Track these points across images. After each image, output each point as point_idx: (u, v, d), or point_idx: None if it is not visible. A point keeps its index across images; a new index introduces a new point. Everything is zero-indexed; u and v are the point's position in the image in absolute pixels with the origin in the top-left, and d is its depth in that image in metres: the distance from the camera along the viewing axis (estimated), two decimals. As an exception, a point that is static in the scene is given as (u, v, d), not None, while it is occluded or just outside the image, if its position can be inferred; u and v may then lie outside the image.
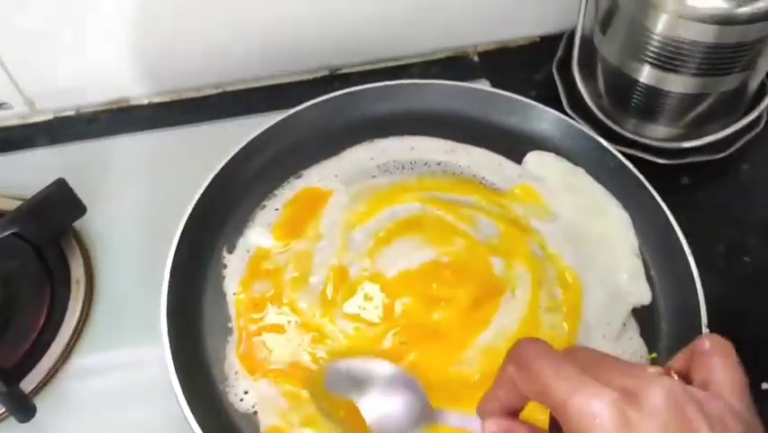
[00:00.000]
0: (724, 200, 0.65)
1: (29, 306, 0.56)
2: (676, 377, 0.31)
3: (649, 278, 0.55)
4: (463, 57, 0.75)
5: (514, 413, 0.34)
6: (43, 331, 0.55)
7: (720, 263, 0.60)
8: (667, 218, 0.55)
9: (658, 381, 0.29)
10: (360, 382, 0.45)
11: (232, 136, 0.59)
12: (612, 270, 0.54)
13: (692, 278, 0.52)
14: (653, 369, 0.31)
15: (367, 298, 0.50)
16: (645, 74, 0.60)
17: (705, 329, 0.50)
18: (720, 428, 0.29)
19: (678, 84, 0.59)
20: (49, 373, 0.53)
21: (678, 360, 0.33)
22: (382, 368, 0.46)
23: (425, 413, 0.42)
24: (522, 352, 0.32)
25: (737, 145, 0.65)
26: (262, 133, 0.59)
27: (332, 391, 0.46)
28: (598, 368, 0.30)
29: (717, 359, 0.31)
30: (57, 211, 0.58)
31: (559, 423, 0.30)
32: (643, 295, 0.53)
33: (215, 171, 0.56)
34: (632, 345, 0.51)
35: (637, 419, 0.28)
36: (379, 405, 0.44)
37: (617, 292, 0.53)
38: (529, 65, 0.73)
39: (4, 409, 0.51)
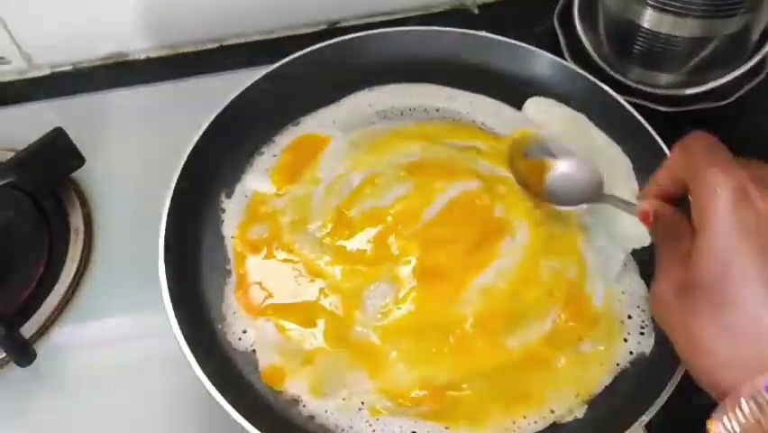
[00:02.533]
0: (728, 149, 0.64)
1: (28, 255, 0.57)
2: None
3: (649, 220, 0.54)
4: (463, 9, 0.74)
5: (670, 202, 0.38)
6: (43, 279, 0.55)
7: (723, 210, 0.59)
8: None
9: None
10: (552, 154, 0.52)
11: (229, 89, 0.58)
12: (612, 211, 0.53)
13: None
14: None
15: (365, 239, 0.50)
16: (647, 18, 0.59)
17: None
18: None
19: (681, 27, 0.58)
20: (48, 319, 0.54)
21: None
22: (569, 149, 0.52)
23: (595, 191, 0.49)
24: (691, 138, 0.37)
25: (740, 93, 0.64)
26: (260, 80, 0.58)
27: (529, 158, 0.53)
28: (742, 161, 0.35)
29: None
30: (54, 160, 0.58)
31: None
32: (642, 237, 0.53)
33: (213, 117, 0.56)
34: (632, 285, 0.50)
35: (754, 194, 0.32)
36: (564, 173, 0.51)
37: (617, 234, 0.52)
38: (530, 17, 0.72)
39: (4, 354, 0.51)
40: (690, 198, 0.36)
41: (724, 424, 0.30)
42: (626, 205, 0.45)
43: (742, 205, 0.32)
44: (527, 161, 0.53)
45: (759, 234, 0.31)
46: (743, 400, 0.29)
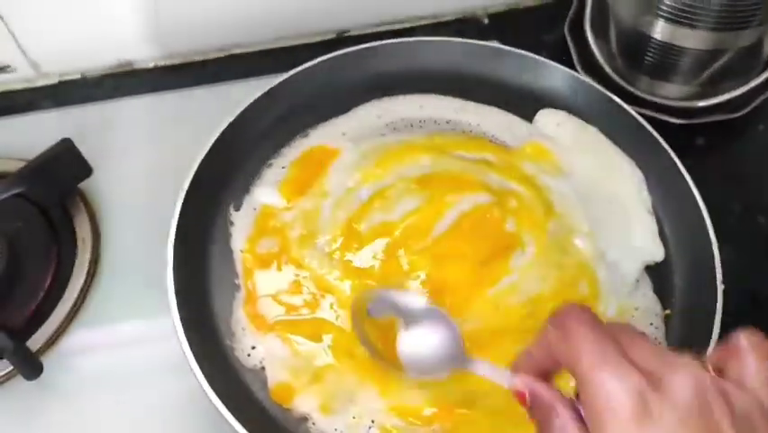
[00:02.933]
0: (739, 161, 0.64)
1: (36, 266, 0.56)
2: (710, 368, 0.30)
3: (662, 235, 0.54)
4: (473, 19, 0.74)
5: (545, 376, 0.34)
6: (50, 290, 0.55)
7: (735, 224, 0.59)
8: (681, 175, 0.54)
9: (687, 367, 0.28)
10: (400, 312, 0.44)
11: (238, 99, 0.58)
12: (625, 227, 0.53)
13: (707, 235, 0.51)
14: (687, 357, 0.30)
15: (375, 253, 0.50)
16: (660, 30, 0.59)
17: (720, 286, 0.49)
18: (746, 424, 0.28)
19: (693, 40, 0.58)
20: (56, 331, 0.53)
21: (714, 354, 0.31)
22: (421, 303, 0.45)
23: (458, 356, 0.41)
24: (565, 315, 0.31)
25: (753, 105, 0.63)
26: (269, 91, 0.58)
27: (374, 316, 0.45)
28: (633, 345, 0.30)
29: (751, 355, 0.30)
30: (62, 171, 0.58)
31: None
32: (656, 252, 0.53)
33: (222, 129, 0.55)
34: (645, 301, 0.50)
35: (657, 405, 0.27)
36: (415, 338, 0.43)
37: (629, 249, 0.52)
38: (540, 26, 0.72)
39: (11, 367, 0.51)
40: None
41: None
42: (493, 373, 0.38)
43: (644, 422, 0.27)
44: (373, 321, 0.45)
45: None
46: None
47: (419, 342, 0.43)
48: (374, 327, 0.45)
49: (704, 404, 0.27)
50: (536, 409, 0.33)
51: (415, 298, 0.45)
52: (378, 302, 0.45)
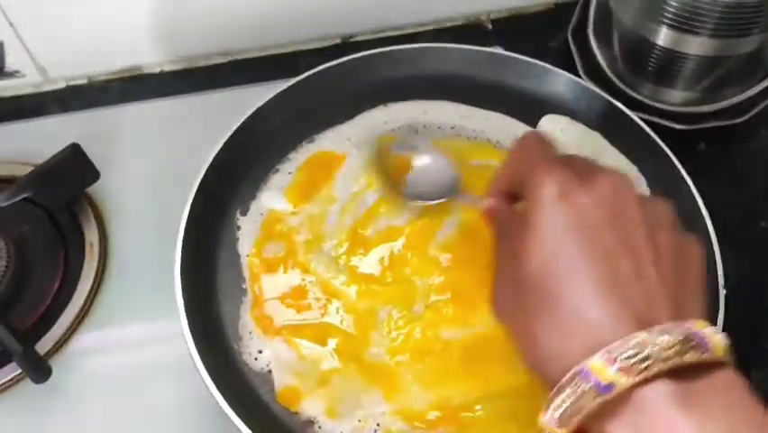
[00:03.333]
0: (741, 166, 0.64)
1: (43, 270, 0.57)
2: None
3: (665, 241, 0.54)
4: (477, 24, 0.75)
5: (512, 200, 0.40)
6: (58, 294, 0.56)
7: (737, 229, 0.59)
8: (684, 180, 0.54)
9: (611, 172, 0.34)
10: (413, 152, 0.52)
11: (244, 103, 0.58)
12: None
13: (709, 240, 0.51)
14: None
15: (380, 258, 0.50)
16: (663, 36, 0.59)
17: (722, 291, 0.49)
18: (652, 216, 0.33)
19: (696, 46, 0.58)
20: (64, 335, 0.54)
21: None
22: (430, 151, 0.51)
23: (452, 190, 0.49)
24: (523, 137, 0.40)
25: (755, 110, 0.64)
26: (275, 97, 0.58)
27: (394, 152, 0.52)
28: (568, 158, 0.37)
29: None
30: (70, 176, 0.58)
31: None
32: (659, 258, 0.53)
33: (229, 134, 0.56)
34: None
35: (577, 191, 0.33)
36: (421, 170, 0.51)
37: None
38: (544, 32, 0.72)
39: (20, 371, 0.51)
40: None
41: (549, 413, 0.30)
42: (473, 199, 0.45)
43: (564, 202, 0.32)
44: (392, 158, 0.52)
45: (580, 228, 0.32)
46: (563, 390, 0.30)
47: (424, 172, 0.51)
48: (392, 161, 0.52)
49: (619, 200, 0.33)
50: (497, 224, 0.40)
51: (428, 148, 0.52)
52: (400, 144, 0.53)
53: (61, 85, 0.71)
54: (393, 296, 0.49)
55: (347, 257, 0.51)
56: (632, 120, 0.58)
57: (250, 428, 0.43)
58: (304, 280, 0.51)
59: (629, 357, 0.29)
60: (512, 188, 0.39)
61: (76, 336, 0.54)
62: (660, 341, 0.29)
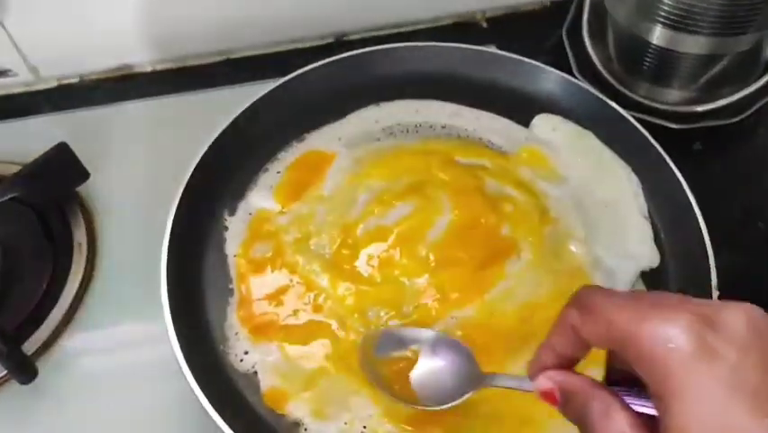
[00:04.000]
0: (737, 166, 0.63)
1: (31, 270, 0.56)
2: None
3: (658, 241, 0.54)
4: (471, 22, 0.74)
5: (568, 366, 0.32)
6: (45, 295, 0.55)
7: (734, 229, 0.58)
8: (678, 181, 0.54)
9: (736, 305, 0.28)
10: (408, 346, 0.44)
11: (235, 103, 0.58)
12: (620, 232, 0.53)
13: (703, 241, 0.51)
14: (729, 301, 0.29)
15: (369, 259, 0.50)
16: (658, 35, 0.59)
17: (715, 293, 0.48)
18: None
19: (691, 45, 0.58)
20: (51, 336, 0.53)
21: None
22: (428, 334, 0.45)
23: (474, 376, 0.41)
24: (585, 295, 0.30)
25: (751, 110, 0.63)
26: (265, 96, 0.58)
27: (382, 356, 0.45)
28: (667, 300, 0.28)
29: None
30: (58, 175, 0.58)
31: (619, 366, 0.29)
32: (652, 258, 0.52)
33: (217, 134, 0.56)
34: (640, 308, 0.50)
35: (716, 342, 0.26)
36: (428, 370, 0.43)
37: (625, 255, 0.52)
38: (538, 31, 0.72)
39: (5, 372, 0.51)
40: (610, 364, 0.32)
41: None
42: (516, 382, 0.36)
43: (709, 359, 0.26)
44: (383, 361, 0.45)
45: (742, 389, 0.26)
46: None
47: (433, 373, 0.43)
48: (384, 366, 0.45)
49: (761, 337, 0.27)
50: (570, 402, 0.31)
51: (420, 331, 0.45)
52: (384, 341, 0.45)
53: (53, 84, 0.70)
54: (382, 296, 0.49)
55: (336, 257, 0.50)
56: (625, 119, 0.57)
57: (234, 430, 0.43)
58: (291, 280, 0.50)
59: None
60: (579, 353, 0.32)
61: (63, 336, 0.54)
62: None
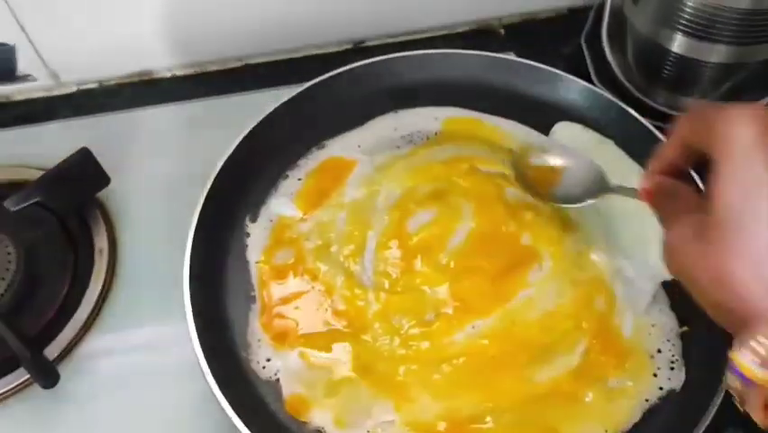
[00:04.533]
0: (757, 175, 0.63)
1: (53, 275, 0.57)
2: None
3: (680, 251, 0.53)
4: (489, 30, 0.74)
5: (675, 174, 0.38)
6: (67, 300, 0.55)
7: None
8: (699, 190, 0.53)
9: None
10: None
11: (254, 108, 0.58)
12: (641, 242, 0.53)
13: (725, 250, 0.50)
14: None
15: (390, 267, 0.50)
16: (678, 43, 0.58)
17: (738, 302, 0.48)
18: None
19: (712, 53, 0.58)
20: (72, 340, 0.54)
21: None
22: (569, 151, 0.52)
23: (602, 187, 0.48)
24: (696, 105, 0.36)
25: (772, 119, 0.63)
26: (285, 103, 0.58)
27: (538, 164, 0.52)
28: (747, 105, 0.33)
29: None
30: (80, 180, 0.58)
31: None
32: (672, 267, 0.52)
33: (238, 140, 0.56)
34: (662, 318, 0.50)
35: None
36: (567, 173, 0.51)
37: (646, 265, 0.51)
38: (557, 38, 0.72)
39: (28, 376, 0.51)
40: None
41: (752, 347, 0.29)
42: (629, 190, 0.44)
43: (764, 137, 0.31)
44: (535, 168, 0.52)
45: None
46: None
47: (570, 176, 0.50)
48: (535, 172, 0.51)
49: None
50: (660, 197, 0.38)
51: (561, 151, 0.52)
52: (537, 153, 0.52)
53: (72, 89, 0.71)
54: (403, 305, 0.49)
55: (356, 265, 0.51)
56: (646, 128, 0.57)
57: (257, 437, 0.43)
58: (313, 287, 0.51)
59: None
60: (684, 160, 0.37)
61: (84, 341, 0.54)
62: None
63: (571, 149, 0.53)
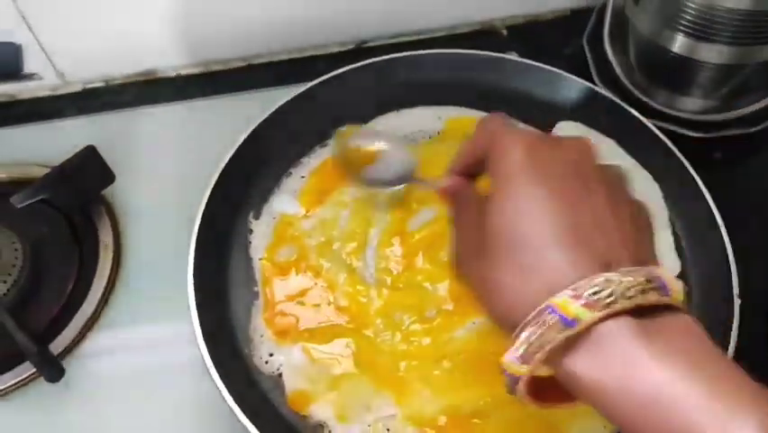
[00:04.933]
0: (757, 175, 0.63)
1: (58, 270, 0.57)
2: None
3: (679, 249, 0.54)
4: (491, 30, 0.74)
5: (471, 177, 0.40)
6: (72, 295, 0.56)
7: (752, 238, 0.58)
8: (699, 189, 0.54)
9: (578, 139, 0.36)
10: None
11: (258, 107, 0.59)
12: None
13: (724, 249, 0.51)
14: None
15: (392, 263, 0.50)
16: (679, 44, 0.59)
17: (737, 300, 0.49)
18: (614, 179, 0.35)
19: (712, 54, 0.58)
20: (77, 335, 0.54)
21: None
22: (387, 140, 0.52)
23: (408, 176, 0.49)
24: (490, 115, 0.39)
25: (772, 119, 0.63)
26: (289, 102, 0.59)
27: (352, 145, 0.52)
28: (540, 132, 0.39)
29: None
30: (86, 177, 0.59)
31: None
32: (672, 266, 0.53)
33: (242, 139, 0.56)
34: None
35: (546, 154, 0.34)
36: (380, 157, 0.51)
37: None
38: (558, 39, 0.72)
39: (34, 370, 0.52)
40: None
41: (511, 352, 0.31)
42: (430, 185, 0.44)
43: (532, 153, 0.34)
44: (351, 149, 0.52)
45: (545, 179, 0.33)
46: (528, 327, 0.30)
47: (383, 161, 0.50)
48: (350, 152, 0.51)
49: (583, 160, 0.34)
50: (456, 199, 0.40)
51: (383, 137, 0.52)
52: (358, 136, 0.53)
53: (78, 88, 0.71)
54: (404, 301, 0.49)
55: (359, 261, 0.51)
56: (647, 128, 0.58)
57: (260, 430, 0.43)
58: (315, 283, 0.51)
59: (594, 294, 0.29)
60: (474, 166, 0.40)
61: (89, 336, 0.54)
62: (623, 281, 0.30)
63: (395, 137, 0.53)
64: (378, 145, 0.51)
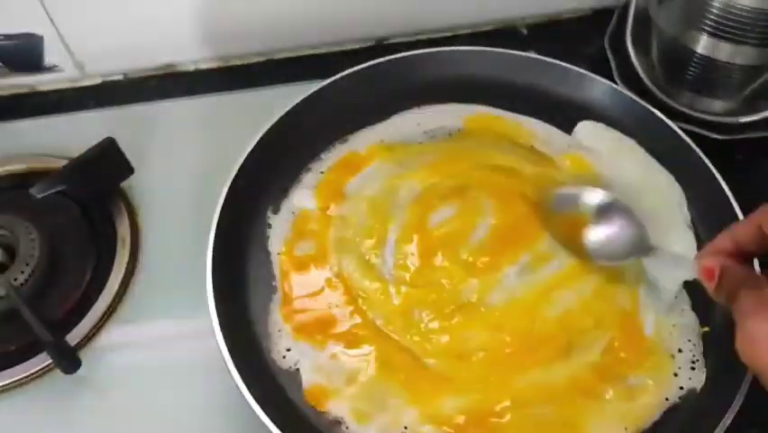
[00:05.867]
0: (780, 178, 0.63)
1: (76, 262, 0.57)
2: None
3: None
4: (511, 29, 0.74)
5: (737, 257, 0.38)
6: (89, 287, 0.56)
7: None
8: (722, 191, 0.53)
9: None
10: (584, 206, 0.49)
11: (278, 102, 0.59)
12: (664, 242, 0.52)
13: (748, 252, 0.50)
14: None
15: (411, 260, 0.50)
16: (703, 44, 0.58)
17: (760, 304, 0.48)
18: None
19: (737, 55, 0.57)
20: (94, 327, 0.54)
21: None
22: (600, 195, 0.49)
23: (642, 245, 0.46)
24: None
25: (796, 122, 0.62)
26: (308, 97, 0.59)
27: (560, 211, 0.49)
28: None
29: None
30: (104, 170, 0.59)
31: None
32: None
33: (261, 133, 0.56)
34: (684, 318, 0.49)
35: None
36: (600, 229, 0.48)
37: (669, 265, 0.51)
38: (579, 39, 0.72)
39: (49, 361, 0.52)
40: None
41: None
42: (678, 259, 0.43)
43: None
44: (561, 216, 0.50)
45: None
46: None
47: (606, 231, 0.48)
48: (561, 221, 0.49)
49: None
50: (726, 283, 0.37)
51: (596, 192, 0.49)
52: (561, 199, 0.50)
53: (98, 80, 0.72)
54: (424, 298, 0.49)
55: (377, 257, 0.51)
56: (670, 128, 0.57)
57: (277, 425, 0.43)
58: (334, 279, 0.51)
59: None
60: (757, 248, 0.38)
61: (105, 328, 0.55)
62: None
63: (602, 192, 0.49)
64: (597, 211, 0.48)
